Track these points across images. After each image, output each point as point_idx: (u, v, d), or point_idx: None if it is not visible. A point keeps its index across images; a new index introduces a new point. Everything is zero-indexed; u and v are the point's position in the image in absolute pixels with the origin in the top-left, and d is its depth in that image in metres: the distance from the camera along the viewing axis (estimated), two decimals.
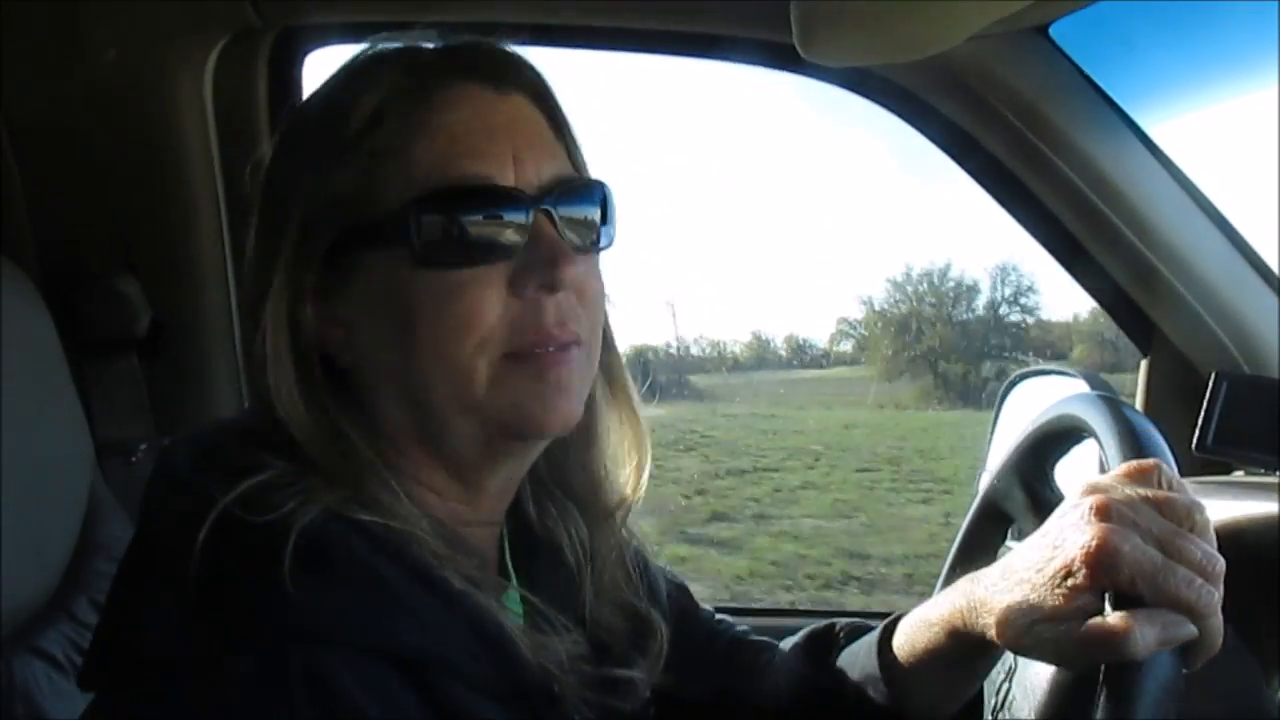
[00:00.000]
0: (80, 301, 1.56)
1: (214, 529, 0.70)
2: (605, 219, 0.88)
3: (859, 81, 1.66)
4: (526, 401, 0.81)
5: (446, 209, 0.79)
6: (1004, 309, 23.34)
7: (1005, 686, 1.01)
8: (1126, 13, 1.55)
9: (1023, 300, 23.54)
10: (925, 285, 23.79)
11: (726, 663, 1.13)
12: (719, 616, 1.19)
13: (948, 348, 22.44)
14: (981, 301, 23.47)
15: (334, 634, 0.70)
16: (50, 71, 1.52)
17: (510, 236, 0.80)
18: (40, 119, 1.56)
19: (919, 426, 17.73)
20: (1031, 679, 0.95)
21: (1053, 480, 1.10)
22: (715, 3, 1.59)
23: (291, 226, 0.82)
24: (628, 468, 0.97)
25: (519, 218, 0.81)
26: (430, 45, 0.86)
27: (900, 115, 1.67)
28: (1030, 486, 1.10)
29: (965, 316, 23.37)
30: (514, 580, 0.94)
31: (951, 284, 23.71)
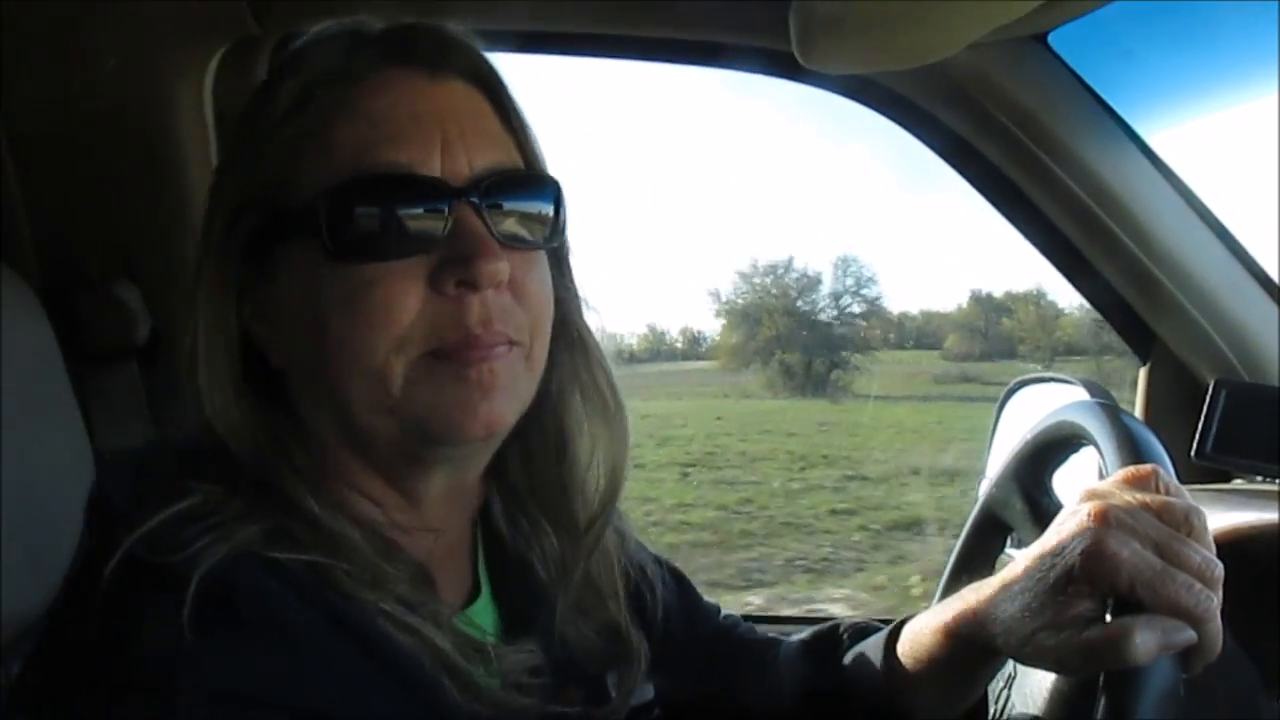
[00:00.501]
0: (80, 309, 1.55)
1: (122, 566, 0.66)
2: (555, 215, 0.83)
3: (858, 89, 1.66)
4: (446, 403, 0.75)
5: (358, 199, 0.74)
6: (846, 299, 23.78)
7: (1005, 694, 1.01)
8: (1126, 21, 1.55)
9: (864, 291, 23.97)
10: (770, 278, 24.13)
11: (733, 659, 1.12)
12: (725, 613, 1.18)
13: (790, 338, 22.68)
14: (824, 291, 23.89)
15: (232, 688, 0.64)
16: (51, 79, 1.52)
17: (429, 229, 0.75)
18: (40, 126, 1.56)
19: (715, 413, 17.92)
20: (1031, 686, 0.95)
21: (1051, 489, 1.10)
22: (715, 10, 1.59)
23: (219, 218, 0.79)
24: (601, 482, 0.91)
25: (438, 209, 0.75)
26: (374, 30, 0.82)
27: (899, 123, 1.67)
28: (1029, 495, 1.10)
29: (807, 307, 23.71)
30: (485, 593, 0.91)
31: (795, 275, 24.07)
